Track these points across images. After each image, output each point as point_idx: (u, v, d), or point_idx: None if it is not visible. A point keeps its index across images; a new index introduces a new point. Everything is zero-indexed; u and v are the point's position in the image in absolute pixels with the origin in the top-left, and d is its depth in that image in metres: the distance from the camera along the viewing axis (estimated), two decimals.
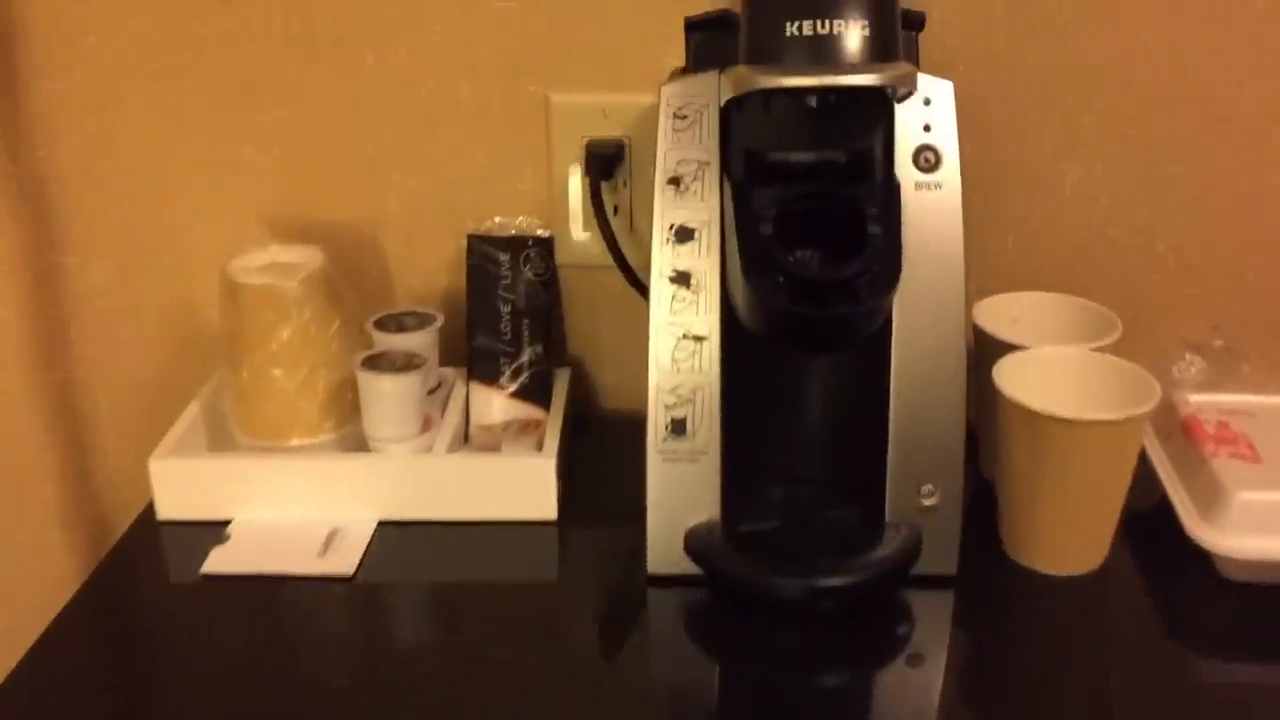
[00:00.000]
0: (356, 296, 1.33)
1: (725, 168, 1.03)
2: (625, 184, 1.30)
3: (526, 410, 1.27)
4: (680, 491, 1.04)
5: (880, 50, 0.90)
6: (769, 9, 0.91)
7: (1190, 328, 1.27)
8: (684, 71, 1.10)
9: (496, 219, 1.32)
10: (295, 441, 1.20)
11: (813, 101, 0.93)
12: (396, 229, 1.35)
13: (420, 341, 1.24)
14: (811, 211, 0.96)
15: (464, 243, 1.29)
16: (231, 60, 1.29)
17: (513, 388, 1.27)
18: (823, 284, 0.91)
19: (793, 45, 0.90)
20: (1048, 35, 1.24)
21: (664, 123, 1.04)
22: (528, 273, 1.29)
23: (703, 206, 1.03)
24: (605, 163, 1.27)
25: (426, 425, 1.19)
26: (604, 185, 1.27)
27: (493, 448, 1.23)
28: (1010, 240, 1.30)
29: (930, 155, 1.02)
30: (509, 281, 1.29)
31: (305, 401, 1.19)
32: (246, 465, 1.17)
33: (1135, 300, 1.29)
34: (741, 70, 0.92)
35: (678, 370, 1.04)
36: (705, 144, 1.03)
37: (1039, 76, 1.25)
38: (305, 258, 1.21)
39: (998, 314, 1.19)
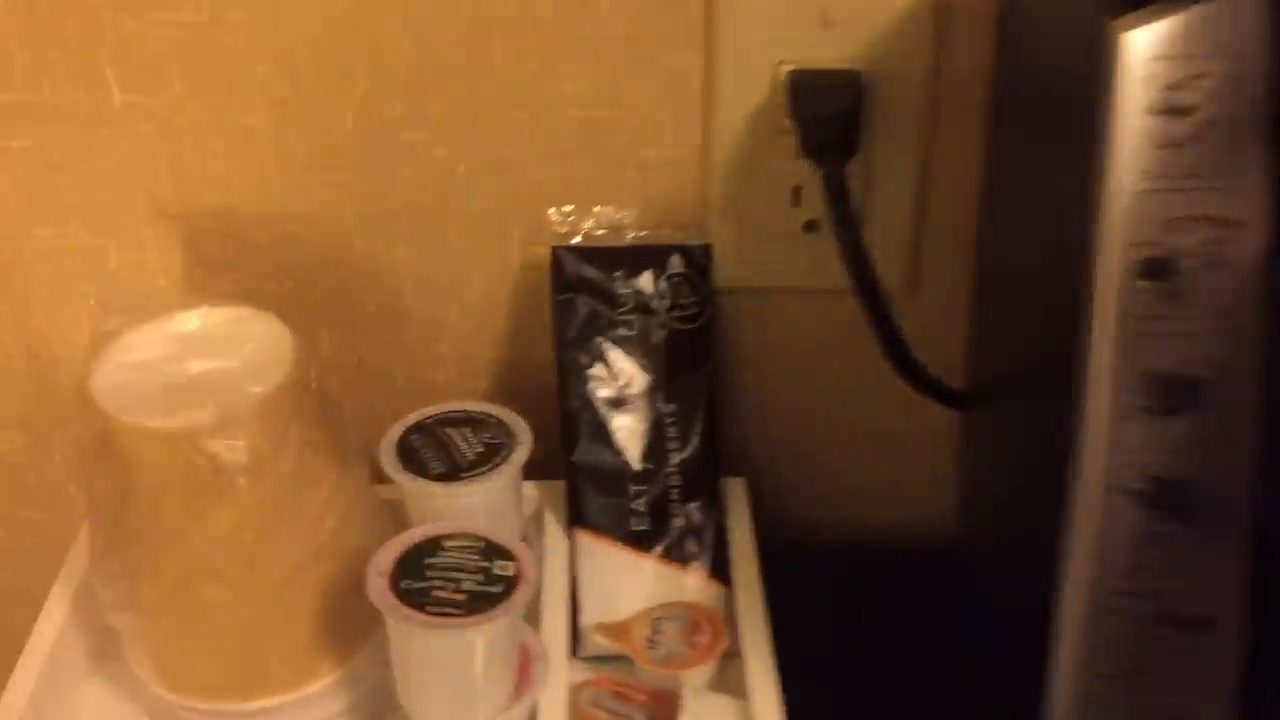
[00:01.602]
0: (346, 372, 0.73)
1: None
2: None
3: (686, 583, 0.69)
4: None
5: None
6: None
7: None
8: None
9: (602, 211, 0.71)
10: (259, 703, 0.61)
11: None
12: (415, 231, 0.73)
13: (495, 491, 0.65)
14: None
15: (542, 256, 0.69)
16: None
17: (659, 546, 0.69)
18: None
19: None
20: None
21: None
22: (667, 313, 0.70)
23: None
24: (839, 126, 0.65)
25: (522, 670, 0.61)
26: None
27: (621, 679, 0.66)
28: None
29: None
30: (635, 331, 0.70)
31: (276, 631, 0.60)
32: None
33: None
34: None
35: None
36: None
37: None
38: (253, 342, 0.59)
39: None
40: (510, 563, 0.58)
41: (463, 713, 0.59)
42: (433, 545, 0.59)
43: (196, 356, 0.58)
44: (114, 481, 0.58)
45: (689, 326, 0.71)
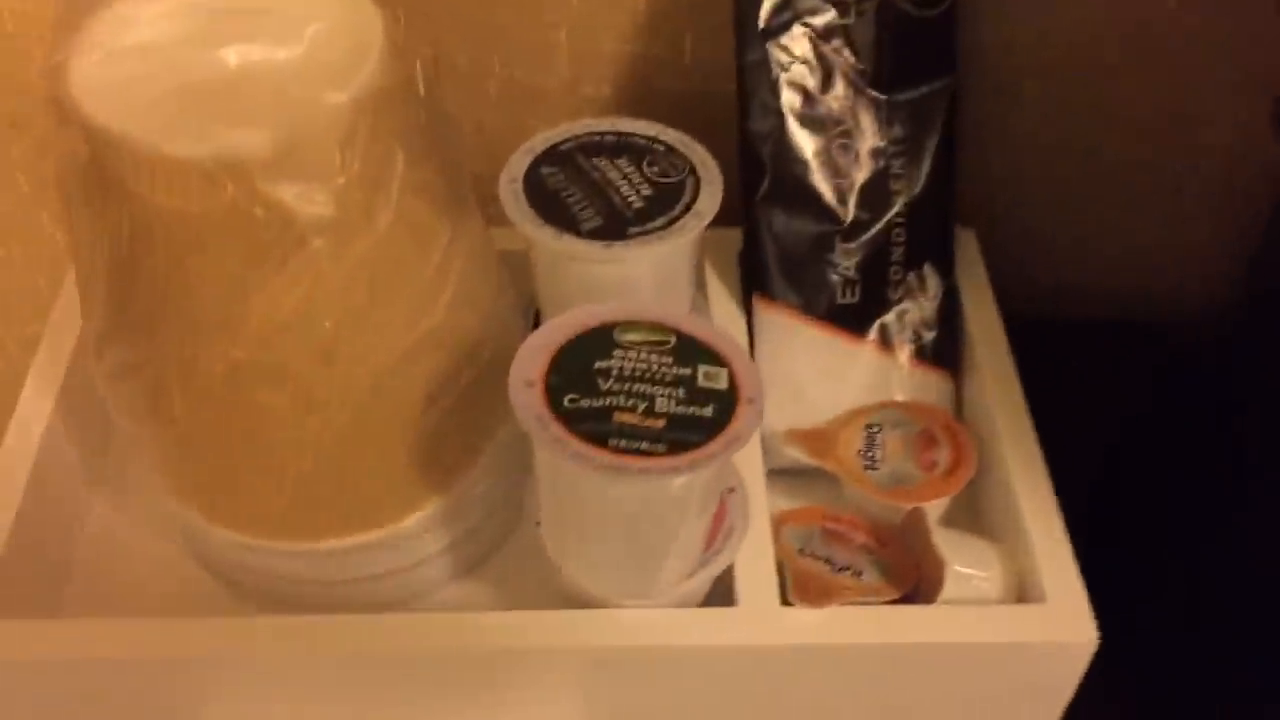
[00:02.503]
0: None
1: None
2: None
3: (906, 375, 0.50)
4: None
5: None
6: None
7: None
8: None
9: None
10: (332, 543, 0.43)
11: None
12: None
13: (675, 255, 0.44)
14: None
15: None
16: None
17: (873, 324, 0.50)
18: None
19: None
20: None
21: None
22: None
23: None
24: None
25: (718, 517, 0.43)
26: None
27: (829, 510, 0.48)
28: None
29: None
30: (852, 19, 0.49)
31: (360, 450, 0.42)
32: (208, 637, 0.42)
33: None
34: None
35: None
36: None
37: None
38: (319, 18, 0.38)
39: None
40: (720, 370, 0.39)
41: (643, 576, 0.41)
42: (602, 340, 0.39)
43: (233, 40, 0.37)
44: (113, 233, 0.38)
45: (928, 12, 0.49)
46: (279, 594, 0.46)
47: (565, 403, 0.38)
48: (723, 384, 0.39)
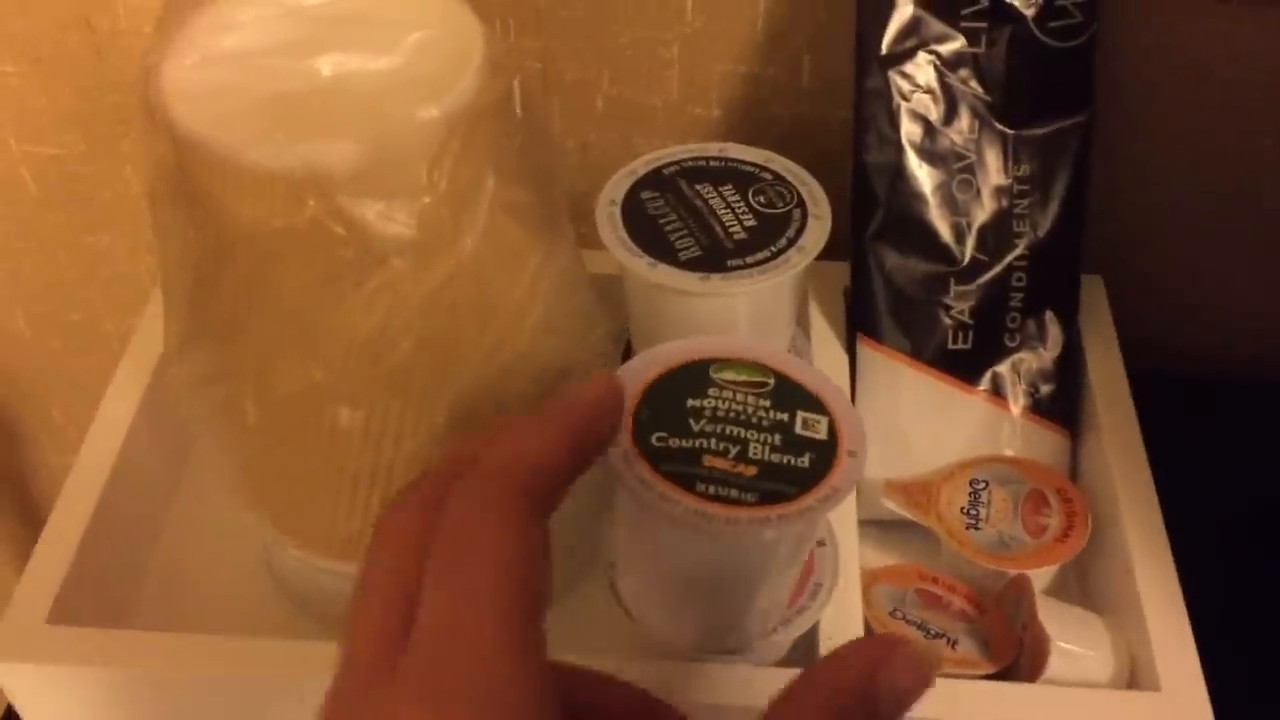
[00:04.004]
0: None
1: None
2: None
3: (1018, 430, 0.47)
4: None
5: None
6: None
7: None
8: None
9: None
10: None
11: None
12: None
13: (777, 290, 0.42)
14: None
15: None
16: None
17: (984, 373, 0.47)
18: None
19: None
20: None
21: None
22: (1037, 21, 0.46)
23: None
24: None
25: (805, 570, 0.41)
26: None
27: (926, 570, 0.45)
28: None
29: None
30: (983, 48, 0.46)
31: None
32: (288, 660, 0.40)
33: None
34: None
35: None
36: None
37: None
38: (419, 28, 0.36)
39: None
40: (821, 418, 0.36)
41: (718, 629, 0.39)
42: (697, 377, 0.37)
43: (330, 48, 0.35)
44: (197, 240, 0.37)
45: (1068, 44, 0.46)
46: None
47: (652, 441, 0.35)
48: (822, 433, 0.36)
